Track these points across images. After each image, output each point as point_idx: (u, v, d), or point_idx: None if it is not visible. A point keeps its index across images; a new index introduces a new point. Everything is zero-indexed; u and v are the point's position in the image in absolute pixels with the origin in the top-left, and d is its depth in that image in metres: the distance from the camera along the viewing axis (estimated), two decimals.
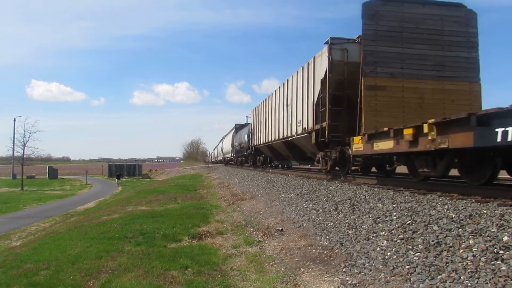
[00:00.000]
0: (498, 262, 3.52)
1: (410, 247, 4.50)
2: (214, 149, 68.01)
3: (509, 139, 4.46)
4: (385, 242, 4.93)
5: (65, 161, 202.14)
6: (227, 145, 41.01)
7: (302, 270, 4.93)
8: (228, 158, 41.55)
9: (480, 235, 4.08)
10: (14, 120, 47.51)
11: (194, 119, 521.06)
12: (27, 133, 43.47)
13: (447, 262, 3.87)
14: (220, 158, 52.99)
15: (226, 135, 45.74)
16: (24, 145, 43.54)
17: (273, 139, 17.30)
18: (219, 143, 57.66)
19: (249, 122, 28.90)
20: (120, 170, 62.65)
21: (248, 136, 25.48)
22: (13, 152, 46.41)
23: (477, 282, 3.38)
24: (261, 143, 20.60)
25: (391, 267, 4.26)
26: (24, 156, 44.35)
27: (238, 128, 33.50)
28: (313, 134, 11.48)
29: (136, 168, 69.41)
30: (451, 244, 4.16)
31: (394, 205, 6.07)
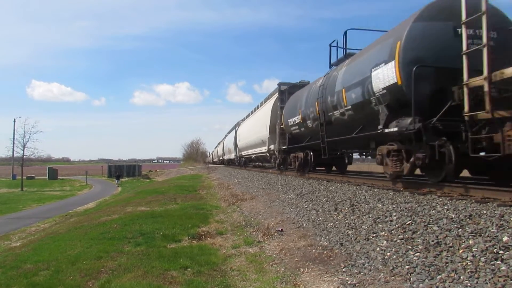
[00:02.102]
0: (498, 262, 3.52)
1: (410, 247, 4.50)
2: (216, 147, 60.94)
3: None
4: (385, 242, 4.93)
5: (65, 162, 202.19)
6: (251, 133, 22.99)
7: (301, 270, 4.93)
8: (254, 156, 23.39)
9: (480, 235, 4.08)
10: (14, 121, 47.60)
11: (194, 119, 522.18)
12: (27, 133, 43.66)
13: (446, 262, 3.87)
14: (230, 156, 36.25)
15: (247, 117, 28.04)
16: (24, 146, 43.68)
17: None
18: (226, 136, 44.19)
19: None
20: (120, 170, 62.65)
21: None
22: (13, 152, 46.50)
23: (477, 282, 3.38)
24: None
25: (391, 267, 4.26)
26: (24, 156, 44.44)
27: (294, 88, 15.51)
28: None
29: (136, 169, 69.46)
30: (451, 244, 4.16)
31: (394, 206, 6.06)
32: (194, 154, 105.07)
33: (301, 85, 15.30)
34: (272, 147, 17.64)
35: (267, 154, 19.00)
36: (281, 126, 15.64)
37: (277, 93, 16.99)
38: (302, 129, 12.98)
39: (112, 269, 5.35)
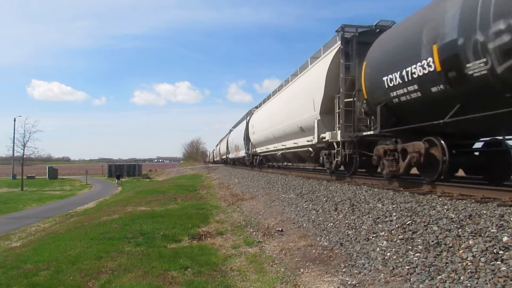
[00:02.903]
0: (498, 262, 3.52)
1: (410, 247, 4.50)
2: (218, 145, 57.43)
3: None
4: (385, 242, 4.93)
5: (65, 161, 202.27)
6: (279, 118, 15.83)
7: (302, 270, 4.93)
8: (280, 154, 16.25)
9: (480, 236, 4.08)
10: (14, 120, 47.65)
11: (195, 119, 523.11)
12: (27, 133, 43.74)
13: (446, 263, 3.87)
14: (238, 154, 28.73)
15: (267, 100, 20.46)
16: (24, 145, 43.74)
17: None
18: (230, 131, 37.99)
19: None
20: (120, 170, 62.70)
21: None
22: (13, 152, 46.62)
23: (477, 283, 3.38)
24: None
25: (391, 268, 4.26)
26: (24, 156, 44.49)
27: (368, 36, 9.14)
28: None
29: (136, 168, 69.49)
30: (450, 245, 4.16)
31: (394, 206, 6.07)
32: (194, 153, 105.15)
33: (382, 28, 9.21)
34: (327, 135, 10.37)
35: (310, 149, 11.92)
36: (349, 99, 9.42)
37: (338, 43, 9.97)
38: (439, 87, 5.99)
39: (112, 269, 5.35)
